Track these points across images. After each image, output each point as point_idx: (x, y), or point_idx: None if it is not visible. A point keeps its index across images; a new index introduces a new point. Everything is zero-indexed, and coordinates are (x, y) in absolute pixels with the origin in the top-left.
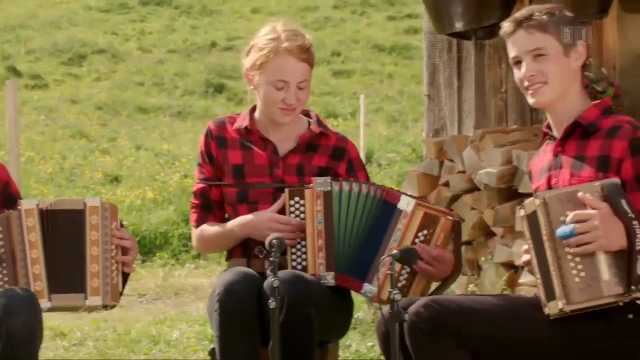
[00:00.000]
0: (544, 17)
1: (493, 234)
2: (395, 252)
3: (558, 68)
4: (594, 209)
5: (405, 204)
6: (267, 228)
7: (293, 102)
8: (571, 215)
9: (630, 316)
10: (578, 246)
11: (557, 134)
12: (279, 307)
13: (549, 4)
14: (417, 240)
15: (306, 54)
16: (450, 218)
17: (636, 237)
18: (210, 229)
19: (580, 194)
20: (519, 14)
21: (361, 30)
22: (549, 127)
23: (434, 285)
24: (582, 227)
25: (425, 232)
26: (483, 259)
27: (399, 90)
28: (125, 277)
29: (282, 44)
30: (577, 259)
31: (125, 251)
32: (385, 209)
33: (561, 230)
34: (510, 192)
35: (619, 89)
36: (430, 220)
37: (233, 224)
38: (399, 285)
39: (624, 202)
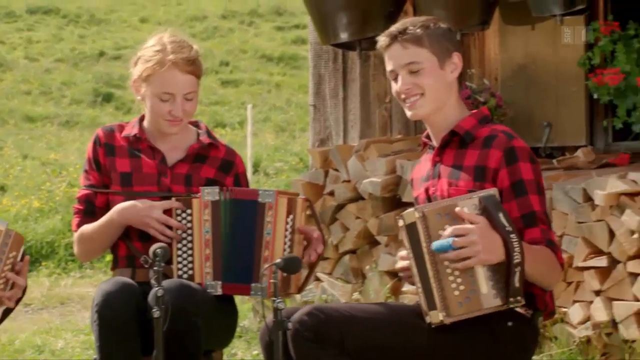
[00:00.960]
0: (418, 30)
1: (377, 243)
2: (278, 260)
3: (433, 80)
4: (471, 223)
5: (266, 197)
6: (146, 215)
7: (179, 114)
8: (449, 229)
9: (510, 323)
10: (457, 260)
11: (435, 143)
12: (163, 315)
13: (428, 15)
14: (287, 227)
15: (192, 66)
16: (302, 197)
17: (514, 250)
18: (89, 225)
19: (457, 209)
20: (394, 27)
21: (249, 40)
22: (428, 136)
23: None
24: (460, 241)
25: (292, 216)
26: (367, 267)
27: (287, 99)
28: (6, 312)
29: (168, 56)
30: (456, 272)
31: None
32: (249, 208)
33: (438, 243)
34: (394, 201)
35: (500, 99)
36: (291, 205)
37: (111, 211)
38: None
39: (501, 215)
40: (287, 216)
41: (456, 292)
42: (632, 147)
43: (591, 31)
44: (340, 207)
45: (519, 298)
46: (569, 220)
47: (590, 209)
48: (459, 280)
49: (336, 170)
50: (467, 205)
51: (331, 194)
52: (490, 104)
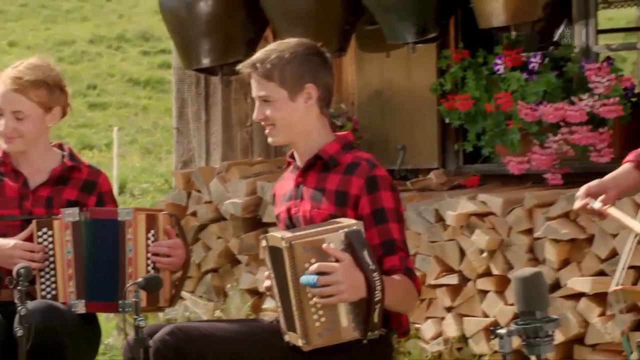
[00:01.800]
0: (268, 65)
1: (238, 262)
2: (139, 279)
3: (283, 113)
4: (337, 259)
5: (125, 215)
6: (11, 255)
7: (6, 132)
8: (315, 266)
9: (365, 341)
10: (321, 297)
11: (300, 163)
12: (26, 334)
13: (288, 42)
14: (149, 242)
15: (23, 86)
16: (166, 212)
17: (375, 288)
18: None
19: (324, 245)
20: (250, 59)
21: (116, 64)
22: (292, 156)
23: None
24: (325, 280)
25: (153, 231)
26: (229, 285)
27: (153, 122)
28: None
29: (5, 74)
30: (319, 305)
31: None
32: (110, 227)
33: (305, 279)
34: (254, 221)
35: (356, 123)
36: (152, 220)
37: None
38: None
39: (365, 253)
40: (148, 232)
41: (317, 324)
42: (482, 170)
43: (443, 58)
44: (202, 227)
45: (376, 332)
46: (422, 240)
47: (442, 229)
48: (320, 312)
49: (199, 191)
50: (333, 240)
51: (194, 214)
52: (347, 128)
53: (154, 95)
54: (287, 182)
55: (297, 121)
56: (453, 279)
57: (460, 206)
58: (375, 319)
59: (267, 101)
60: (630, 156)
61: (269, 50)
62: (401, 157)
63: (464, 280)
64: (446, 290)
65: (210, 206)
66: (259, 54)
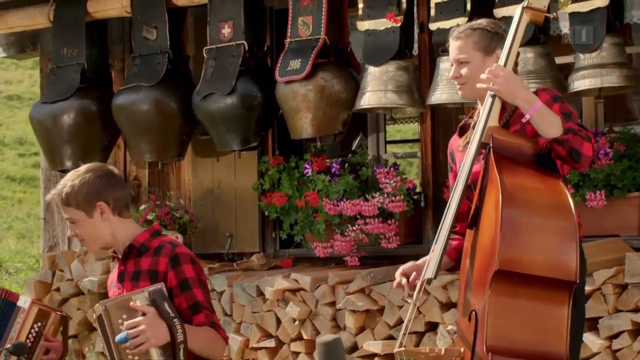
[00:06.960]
0: (64, 195)
1: (94, 329)
2: (9, 345)
3: (86, 229)
4: (143, 313)
5: (23, 302)
6: None
7: None
8: (125, 324)
9: None
10: (134, 347)
11: (120, 255)
12: None
13: (79, 170)
14: (32, 331)
15: None
16: (59, 313)
17: (177, 331)
18: None
19: (131, 303)
20: (55, 190)
21: None
22: (114, 251)
23: None
24: (134, 332)
25: (39, 324)
26: (87, 348)
27: (27, 212)
28: None
29: None
30: (135, 352)
31: None
32: (7, 307)
33: (118, 337)
34: (107, 296)
35: (192, 215)
36: (43, 315)
37: None
38: None
39: (166, 305)
40: (35, 323)
41: None
42: (294, 253)
43: (262, 163)
44: (64, 300)
45: None
46: (246, 311)
47: (262, 302)
48: (136, 358)
49: (62, 270)
50: (139, 299)
51: (58, 290)
52: (185, 219)
53: (28, 189)
54: (114, 272)
55: (100, 231)
56: (271, 343)
57: (277, 283)
58: (182, 357)
59: (73, 222)
60: None
61: (65, 180)
62: (229, 243)
63: (280, 343)
64: (265, 352)
65: (71, 283)
66: (58, 186)
